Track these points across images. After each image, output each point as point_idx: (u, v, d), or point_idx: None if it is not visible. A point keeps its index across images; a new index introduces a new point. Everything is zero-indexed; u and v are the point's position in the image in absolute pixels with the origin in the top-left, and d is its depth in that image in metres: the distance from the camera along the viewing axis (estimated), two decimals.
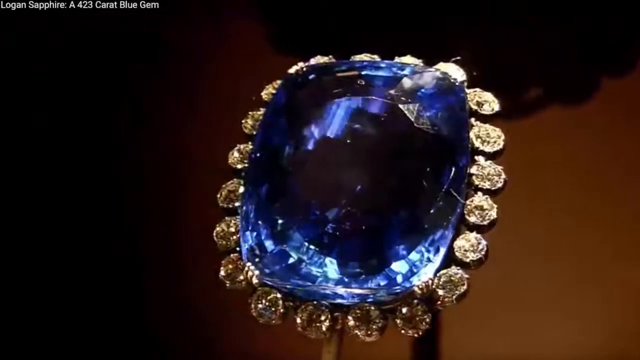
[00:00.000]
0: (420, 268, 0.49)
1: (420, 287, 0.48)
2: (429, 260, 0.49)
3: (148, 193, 0.69)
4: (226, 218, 0.53)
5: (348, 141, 0.51)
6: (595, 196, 0.62)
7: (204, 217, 0.62)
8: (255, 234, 0.51)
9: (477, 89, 0.55)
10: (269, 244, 0.50)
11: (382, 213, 0.50)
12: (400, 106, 0.51)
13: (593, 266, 0.61)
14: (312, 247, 0.50)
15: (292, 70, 0.57)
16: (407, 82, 0.53)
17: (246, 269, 0.50)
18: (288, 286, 0.49)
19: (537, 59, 0.60)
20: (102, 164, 0.70)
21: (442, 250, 0.49)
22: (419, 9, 0.73)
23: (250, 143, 0.55)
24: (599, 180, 0.62)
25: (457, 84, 0.54)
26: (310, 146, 0.51)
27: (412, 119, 0.51)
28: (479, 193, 0.51)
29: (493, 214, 0.50)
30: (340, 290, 0.49)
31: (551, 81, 0.57)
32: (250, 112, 0.56)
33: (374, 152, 0.51)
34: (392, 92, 0.52)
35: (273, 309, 0.49)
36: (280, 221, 0.50)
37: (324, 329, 0.48)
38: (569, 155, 0.54)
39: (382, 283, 0.49)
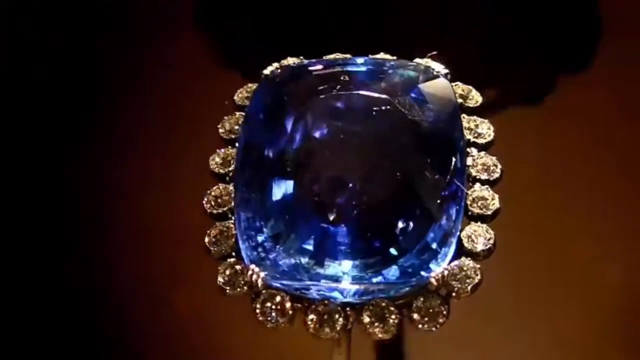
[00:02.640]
0: (431, 260, 0.47)
1: (437, 278, 0.46)
2: (439, 252, 0.48)
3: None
4: (217, 224, 0.50)
5: (341, 136, 0.49)
6: (547, 196, 0.62)
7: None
8: (255, 236, 0.48)
9: (458, 82, 0.55)
10: (271, 245, 0.48)
11: (388, 207, 0.48)
12: (392, 99, 0.50)
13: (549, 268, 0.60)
14: (317, 245, 0.47)
15: (267, 72, 0.55)
16: (392, 76, 0.52)
17: (250, 272, 0.47)
18: (296, 286, 0.47)
19: (493, 59, 0.60)
20: (57, 184, 0.66)
21: (453, 241, 0.48)
22: (369, 13, 0.73)
23: (230, 147, 0.53)
24: (553, 180, 0.63)
25: (441, 76, 0.53)
26: (304, 144, 0.50)
27: (405, 111, 0.50)
28: (477, 184, 0.50)
29: (496, 203, 0.50)
30: (350, 287, 0.47)
31: (508, 81, 0.56)
32: (225, 117, 0.54)
33: (371, 147, 0.49)
34: (379, 86, 0.51)
35: (281, 311, 0.47)
36: (281, 221, 0.48)
37: (338, 328, 0.46)
38: (526, 155, 0.53)
39: (394, 277, 0.47)
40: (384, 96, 0.50)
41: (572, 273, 0.60)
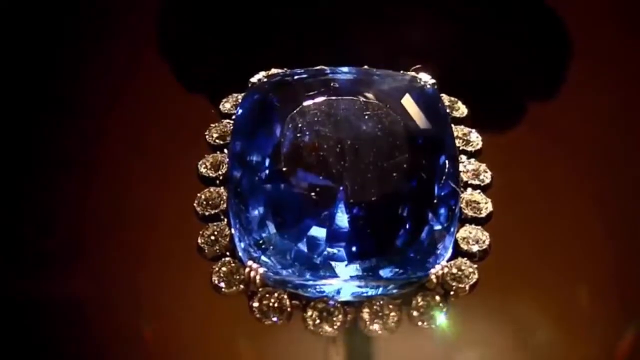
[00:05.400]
0: (426, 260, 0.48)
1: (437, 274, 0.46)
2: (434, 251, 0.48)
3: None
4: (209, 225, 0.50)
5: (333, 140, 0.49)
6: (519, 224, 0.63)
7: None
8: (252, 235, 0.48)
9: (443, 94, 0.55)
10: (269, 244, 0.48)
11: (386, 207, 0.48)
12: (384, 104, 0.51)
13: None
14: (315, 247, 0.47)
15: (254, 80, 0.55)
16: (382, 84, 0.53)
17: (248, 269, 0.47)
18: (295, 283, 0.47)
19: (461, 84, 0.61)
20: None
21: (449, 241, 0.48)
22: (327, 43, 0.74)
23: (219, 153, 0.53)
24: (525, 206, 0.63)
25: (428, 85, 0.54)
26: (295, 148, 0.49)
27: (398, 116, 0.50)
28: (469, 189, 0.51)
29: (489, 206, 0.50)
30: (350, 284, 0.47)
31: (477, 107, 0.57)
32: (212, 125, 0.54)
33: (364, 149, 0.49)
34: (370, 92, 0.51)
35: (279, 308, 0.46)
36: (278, 223, 0.48)
37: (337, 325, 0.46)
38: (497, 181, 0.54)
39: (392, 275, 0.47)
40: (375, 101, 0.50)
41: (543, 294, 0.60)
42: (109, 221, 0.61)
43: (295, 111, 0.50)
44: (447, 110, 0.54)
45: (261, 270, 0.46)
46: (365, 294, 0.47)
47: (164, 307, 0.58)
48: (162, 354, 0.58)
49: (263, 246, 0.48)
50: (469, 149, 0.53)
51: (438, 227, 0.48)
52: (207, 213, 0.50)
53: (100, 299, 0.59)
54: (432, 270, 0.47)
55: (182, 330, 0.57)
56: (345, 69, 0.55)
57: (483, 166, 0.52)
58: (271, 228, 0.48)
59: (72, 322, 0.58)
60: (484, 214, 0.50)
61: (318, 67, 0.55)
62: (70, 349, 0.58)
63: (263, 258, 0.48)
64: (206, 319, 0.56)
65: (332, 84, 0.52)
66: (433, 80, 0.55)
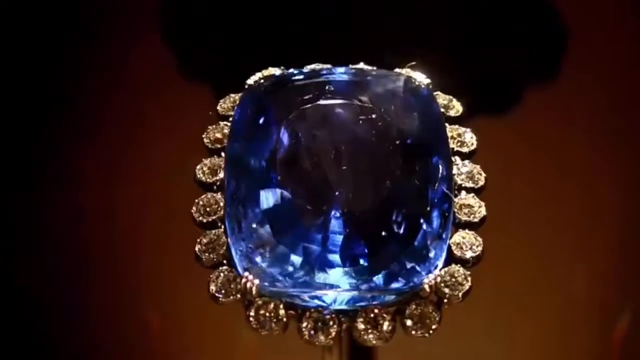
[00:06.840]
0: (420, 266, 0.48)
1: (430, 284, 0.46)
2: (428, 258, 0.48)
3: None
4: (207, 232, 0.50)
5: (328, 145, 0.49)
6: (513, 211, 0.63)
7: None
8: (248, 244, 0.48)
9: (439, 92, 0.55)
10: (265, 253, 0.48)
11: (375, 214, 0.48)
12: (377, 108, 0.50)
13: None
14: (310, 253, 0.47)
15: (250, 81, 0.55)
16: (376, 86, 0.52)
17: (244, 279, 0.47)
18: (292, 292, 0.47)
19: (460, 69, 0.61)
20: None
21: (442, 248, 0.48)
22: (340, 25, 0.74)
23: (216, 156, 0.53)
24: (520, 191, 0.63)
25: (423, 85, 0.54)
26: (290, 153, 0.49)
27: (391, 120, 0.50)
28: (463, 192, 0.51)
29: (482, 210, 0.50)
30: (342, 294, 0.47)
31: (475, 91, 0.57)
32: (209, 127, 0.54)
33: (358, 155, 0.49)
34: (365, 95, 0.51)
35: (276, 318, 0.46)
36: (269, 230, 0.48)
37: (332, 335, 0.46)
38: (492, 166, 0.54)
39: (384, 284, 0.47)
40: (369, 105, 0.50)
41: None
42: (108, 221, 0.62)
43: (291, 116, 0.50)
44: (442, 110, 0.54)
45: (256, 281, 0.46)
46: (360, 303, 0.47)
47: (164, 307, 0.58)
48: (162, 353, 0.58)
49: (259, 252, 0.48)
50: (464, 149, 0.53)
51: (431, 232, 0.48)
52: (204, 220, 0.50)
53: (100, 298, 0.59)
54: (425, 280, 0.47)
55: (182, 330, 0.58)
56: (341, 69, 0.54)
57: (477, 168, 0.52)
58: (267, 234, 0.48)
59: (72, 322, 0.59)
60: (477, 218, 0.50)
61: (314, 67, 0.55)
62: (70, 349, 0.58)
63: (259, 264, 0.48)
64: (206, 319, 0.56)
65: (327, 87, 0.52)
66: (428, 80, 0.54)
